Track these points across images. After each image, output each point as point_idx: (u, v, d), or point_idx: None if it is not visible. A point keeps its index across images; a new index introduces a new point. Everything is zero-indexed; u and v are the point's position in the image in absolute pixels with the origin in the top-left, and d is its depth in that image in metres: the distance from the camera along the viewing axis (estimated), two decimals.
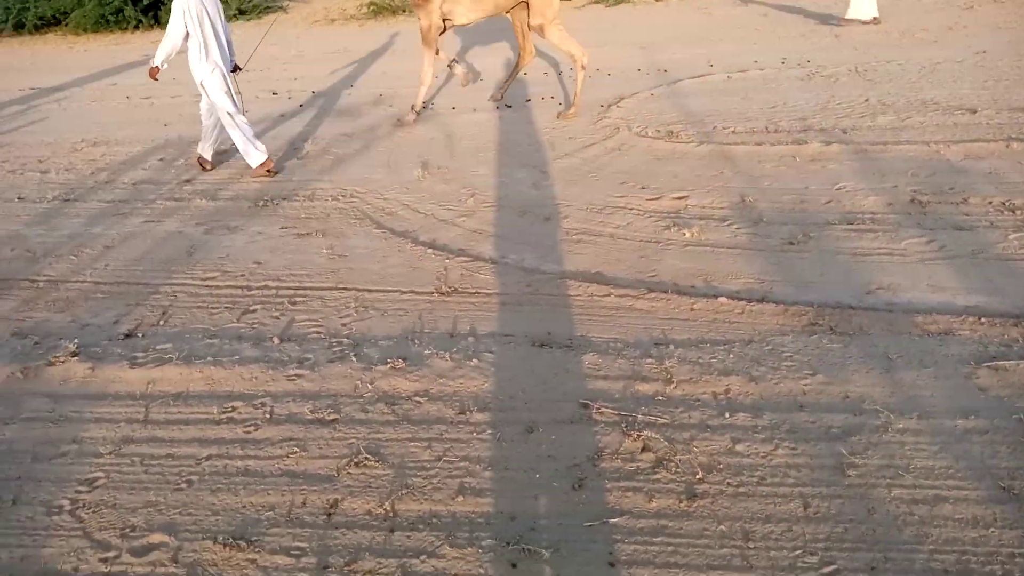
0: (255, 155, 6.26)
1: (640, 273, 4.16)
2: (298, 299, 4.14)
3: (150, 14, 17.40)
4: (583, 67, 7.81)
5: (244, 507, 2.58)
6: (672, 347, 3.37)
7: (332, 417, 3.05)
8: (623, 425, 2.85)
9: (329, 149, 7.13)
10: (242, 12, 17.36)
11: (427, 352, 3.47)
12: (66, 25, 17.54)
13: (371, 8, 16.93)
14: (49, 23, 17.75)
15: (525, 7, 7.74)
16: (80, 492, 2.70)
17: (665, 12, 14.73)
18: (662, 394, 3.04)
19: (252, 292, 4.25)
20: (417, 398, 3.14)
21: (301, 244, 4.90)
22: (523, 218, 5.11)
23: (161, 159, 7.05)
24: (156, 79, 6.42)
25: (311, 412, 3.09)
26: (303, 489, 2.65)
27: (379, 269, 4.47)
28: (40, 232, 5.32)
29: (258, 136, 6.52)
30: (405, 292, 4.15)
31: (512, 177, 5.96)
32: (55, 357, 3.54)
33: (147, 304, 4.13)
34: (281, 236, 5.04)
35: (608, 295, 3.91)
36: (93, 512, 2.59)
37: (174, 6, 5.91)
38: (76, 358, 3.53)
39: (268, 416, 3.08)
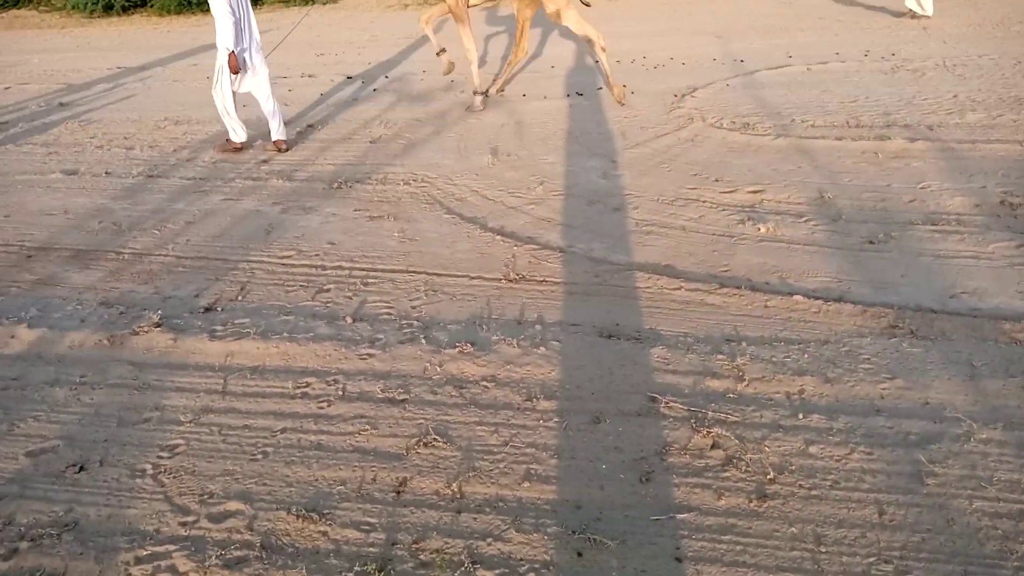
0: (238, 132, 6.78)
1: (712, 267, 4.09)
2: (370, 280, 4.21)
3: None
4: (603, 48, 7.76)
5: (316, 480, 2.65)
6: (744, 344, 3.31)
7: (402, 397, 3.10)
8: (692, 421, 2.82)
9: (401, 134, 7.21)
10: None
11: (495, 338, 3.49)
12: (151, 7, 18.15)
13: None
14: (136, 4, 18.39)
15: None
16: (162, 457, 2.81)
17: (742, 0, 14.37)
18: (733, 391, 3.00)
19: (326, 272, 4.34)
20: (484, 383, 3.17)
21: (373, 227, 4.98)
22: (592, 207, 5.08)
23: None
24: (237, 71, 6.54)
25: (382, 391, 3.14)
26: (373, 466, 2.70)
27: (448, 254, 4.51)
28: (125, 206, 5.54)
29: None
30: (473, 277, 4.18)
31: (582, 166, 5.93)
32: (139, 327, 3.69)
33: (226, 279, 4.26)
34: (354, 218, 5.13)
35: (679, 288, 3.86)
36: (173, 477, 2.70)
37: (216, 1, 6.20)
38: (159, 329, 3.67)
39: (340, 393, 3.15)
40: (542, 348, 3.38)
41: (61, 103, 9.46)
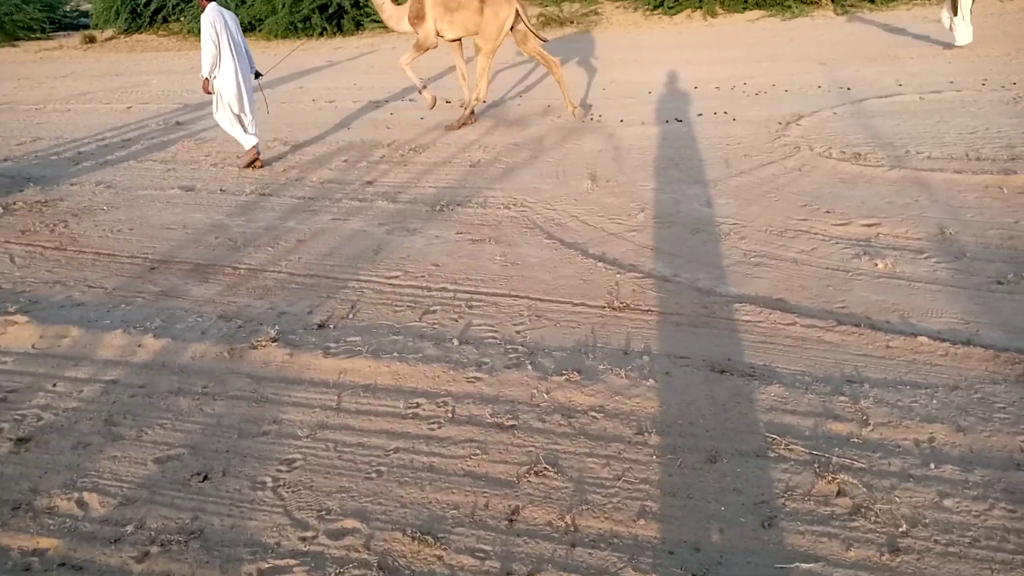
0: (248, 140, 7.35)
1: (827, 303, 3.95)
2: (474, 303, 4.25)
3: (334, 22, 18.58)
4: (478, 100, 8.63)
5: (430, 503, 2.66)
6: (867, 386, 3.16)
7: (511, 423, 3.09)
8: (815, 465, 2.70)
9: (500, 158, 7.29)
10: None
11: (601, 367, 3.45)
12: (259, 31, 19.05)
13: (540, 19, 17.20)
14: (245, 29, 19.33)
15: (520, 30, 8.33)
16: (280, 471, 2.89)
17: (846, 27, 14.00)
18: (857, 436, 2.86)
19: (431, 293, 4.40)
20: (593, 413, 3.13)
21: (475, 250, 5.03)
22: (696, 236, 5.00)
23: (345, 160, 7.48)
24: (209, 92, 7.19)
25: (490, 416, 3.15)
26: (485, 492, 2.70)
27: (550, 279, 4.50)
28: (240, 223, 5.78)
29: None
30: (577, 304, 4.16)
31: (684, 193, 5.85)
32: (257, 341, 3.83)
33: (337, 297, 4.38)
34: (457, 240, 5.20)
35: (793, 324, 3.74)
36: (292, 492, 2.77)
37: (203, 23, 6.91)
38: (276, 343, 3.79)
39: (450, 416, 3.17)
40: (651, 380, 3.32)
41: (178, 122, 10.01)
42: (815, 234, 4.85)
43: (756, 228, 5.02)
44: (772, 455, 2.79)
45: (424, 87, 8.80)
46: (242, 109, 7.22)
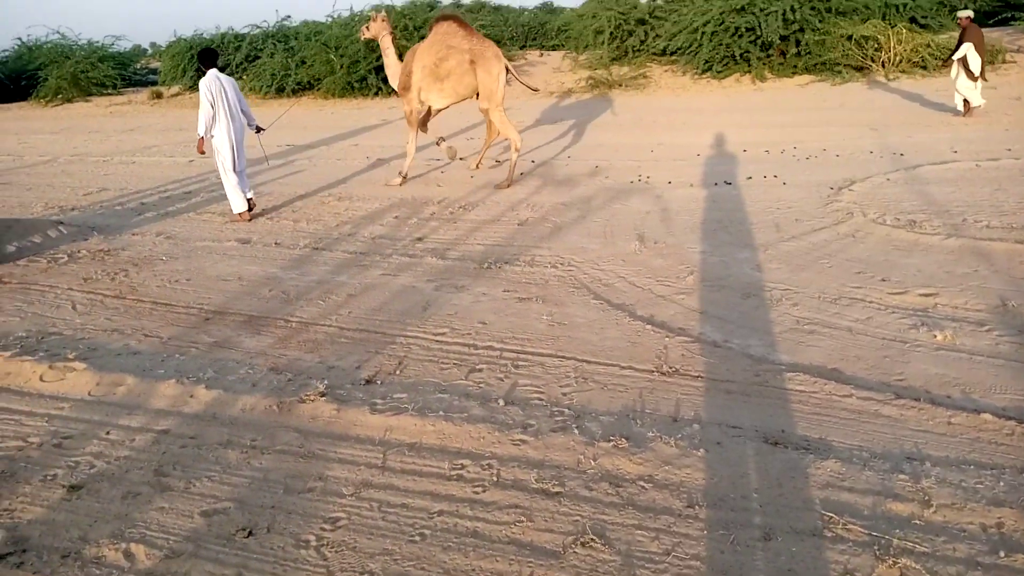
0: (237, 204, 7.79)
1: (885, 375, 3.83)
2: (520, 363, 4.23)
3: (389, 83, 19.19)
4: (517, 150, 8.72)
5: (473, 570, 2.61)
6: (928, 464, 3.04)
7: (556, 489, 3.04)
8: (875, 547, 2.58)
9: (547, 217, 7.35)
10: None
11: (650, 434, 3.38)
12: (318, 90, 19.77)
13: (589, 82, 17.52)
14: (304, 87, 20.10)
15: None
16: (324, 529, 2.87)
17: (897, 93, 13.93)
18: (919, 518, 2.74)
19: (478, 351, 4.40)
20: (642, 483, 3.06)
21: (522, 308, 5.04)
22: (747, 301, 4.93)
23: (396, 216, 7.63)
24: (203, 152, 7.81)
25: (536, 481, 3.10)
26: (530, 561, 2.64)
27: (597, 341, 4.47)
28: (293, 276, 5.90)
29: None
30: (624, 367, 4.12)
31: (733, 257, 5.80)
32: (306, 395, 3.86)
33: (385, 353, 4.41)
34: (504, 299, 5.22)
35: (849, 396, 3.63)
36: (335, 552, 2.75)
37: (200, 88, 7.58)
38: (324, 398, 3.82)
39: (495, 479, 3.13)
40: (701, 450, 3.24)
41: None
42: (870, 303, 4.74)
43: (809, 294, 4.94)
44: (829, 534, 2.67)
45: (440, 140, 9.34)
46: (235, 165, 7.76)
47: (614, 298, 5.14)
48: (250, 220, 7.85)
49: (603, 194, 8.14)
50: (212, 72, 7.67)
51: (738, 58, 16.73)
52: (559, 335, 4.58)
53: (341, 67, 19.04)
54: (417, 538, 2.79)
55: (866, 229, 6.18)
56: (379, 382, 4.03)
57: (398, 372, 4.15)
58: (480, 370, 4.16)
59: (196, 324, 5.01)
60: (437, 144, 9.26)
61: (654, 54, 18.61)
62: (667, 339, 4.43)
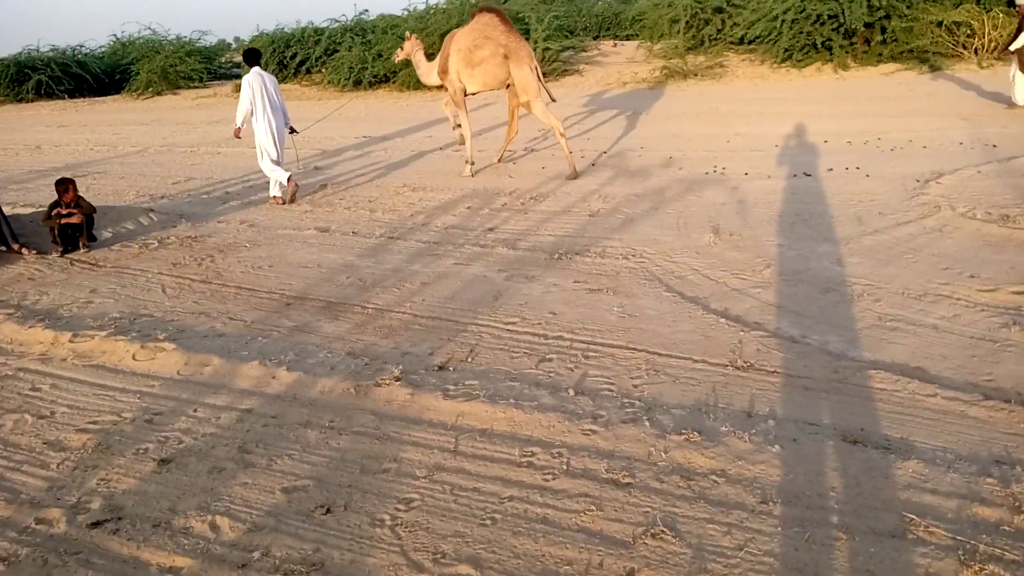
0: (274, 189, 8.43)
1: (972, 375, 3.68)
2: (590, 353, 4.23)
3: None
4: (562, 134, 8.76)
5: (543, 556, 2.64)
6: (1019, 469, 2.91)
7: (627, 480, 3.04)
8: (960, 552, 2.50)
9: (619, 208, 7.30)
10: (544, 73, 18.52)
11: (723, 429, 3.34)
12: (393, 83, 20.08)
13: (663, 72, 17.25)
14: (381, 80, 20.45)
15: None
16: (399, 510, 2.95)
17: (991, 81, 13.22)
18: (1008, 524, 2.63)
19: (548, 341, 4.42)
20: (714, 476, 3.03)
21: (593, 299, 5.03)
22: (826, 296, 4.80)
23: (468, 207, 7.71)
24: (239, 137, 8.52)
25: (606, 471, 3.11)
26: (600, 550, 2.65)
27: (669, 333, 4.43)
28: (369, 264, 6.05)
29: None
30: (697, 361, 4.07)
31: (813, 250, 5.65)
32: (381, 379, 3.96)
33: (457, 340, 4.48)
34: (574, 289, 5.22)
35: (933, 395, 3.50)
36: (409, 531, 2.82)
37: (243, 83, 8.19)
38: (399, 383, 3.91)
39: (565, 467, 3.15)
40: (776, 446, 3.18)
41: (316, 167, 10.64)
42: (958, 299, 4.55)
43: (892, 290, 4.77)
44: (910, 536, 2.60)
45: (457, 126, 9.63)
46: (279, 156, 8.35)
47: (687, 291, 5.08)
48: (284, 203, 8.41)
49: (677, 185, 8.03)
50: (256, 70, 8.26)
51: (819, 46, 16.16)
52: (630, 327, 4.56)
53: None
54: (488, 522, 2.84)
55: (954, 223, 5.92)
56: (451, 368, 4.10)
57: (470, 359, 4.21)
58: (550, 360, 4.18)
59: (278, 309, 5.19)
60: (454, 128, 9.66)
61: (731, 43, 18.16)
62: (742, 333, 4.35)
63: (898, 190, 7.03)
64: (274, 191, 8.48)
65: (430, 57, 9.71)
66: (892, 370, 3.78)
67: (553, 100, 9.49)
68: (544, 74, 18.26)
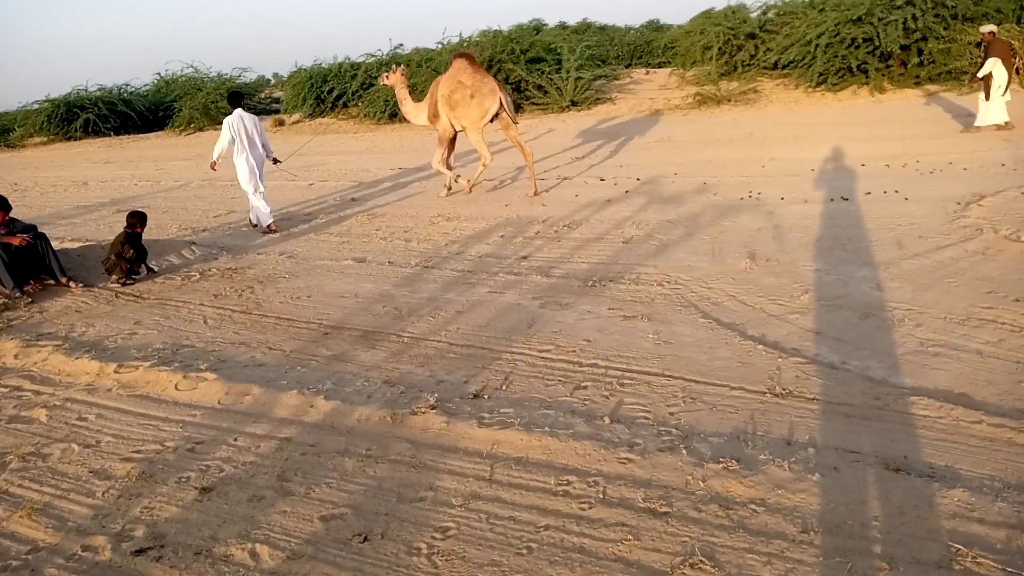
0: (264, 219, 9.09)
1: (1020, 401, 3.58)
2: (626, 381, 4.22)
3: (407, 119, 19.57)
4: (485, 166, 9.92)
5: None
6: None
7: (664, 509, 3.01)
8: None
9: (653, 235, 7.30)
10: (574, 103, 18.73)
11: (762, 457, 3.30)
12: None
13: (696, 98, 17.27)
14: None
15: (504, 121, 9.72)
16: (435, 538, 2.96)
17: None
18: None
19: (583, 368, 4.42)
20: (753, 506, 2.99)
21: (627, 326, 5.02)
22: (866, 321, 4.72)
23: (502, 236, 7.77)
24: (215, 170, 9.30)
25: (643, 500, 3.08)
26: None
27: (706, 360, 4.40)
28: (405, 293, 6.12)
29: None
30: (734, 388, 4.03)
31: (851, 275, 5.57)
32: (417, 408, 3.99)
33: (491, 368, 4.50)
34: (608, 316, 5.22)
35: (979, 422, 3.42)
36: (446, 560, 2.82)
37: (224, 123, 8.94)
38: (434, 411, 3.94)
39: (601, 496, 3.13)
40: (817, 475, 3.13)
41: (353, 198, 10.83)
42: (1003, 324, 4.45)
43: (934, 315, 4.68)
44: (957, 567, 2.53)
45: (457, 177, 10.32)
46: (256, 188, 9.00)
47: (723, 317, 5.04)
48: (275, 231, 9.03)
49: (711, 211, 8.00)
50: (237, 111, 9.05)
51: (855, 70, 16.06)
52: (665, 354, 4.54)
53: None
54: (524, 551, 2.83)
55: (997, 246, 5.80)
56: (486, 396, 4.12)
57: (504, 387, 4.23)
58: (585, 387, 4.17)
59: (316, 338, 5.28)
60: (454, 181, 10.29)
61: (765, 68, 18.15)
62: (780, 360, 4.30)
63: (938, 213, 6.92)
64: (253, 219, 9.29)
65: (413, 93, 10.48)
66: (935, 396, 3.70)
67: (516, 123, 10.12)
68: (575, 103, 18.56)
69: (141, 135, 27.05)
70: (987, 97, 10.97)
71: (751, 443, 3.44)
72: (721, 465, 3.25)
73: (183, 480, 3.56)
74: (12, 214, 6.99)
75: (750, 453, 3.35)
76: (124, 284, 7.03)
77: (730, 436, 3.52)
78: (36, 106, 29.68)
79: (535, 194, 9.71)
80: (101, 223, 10.95)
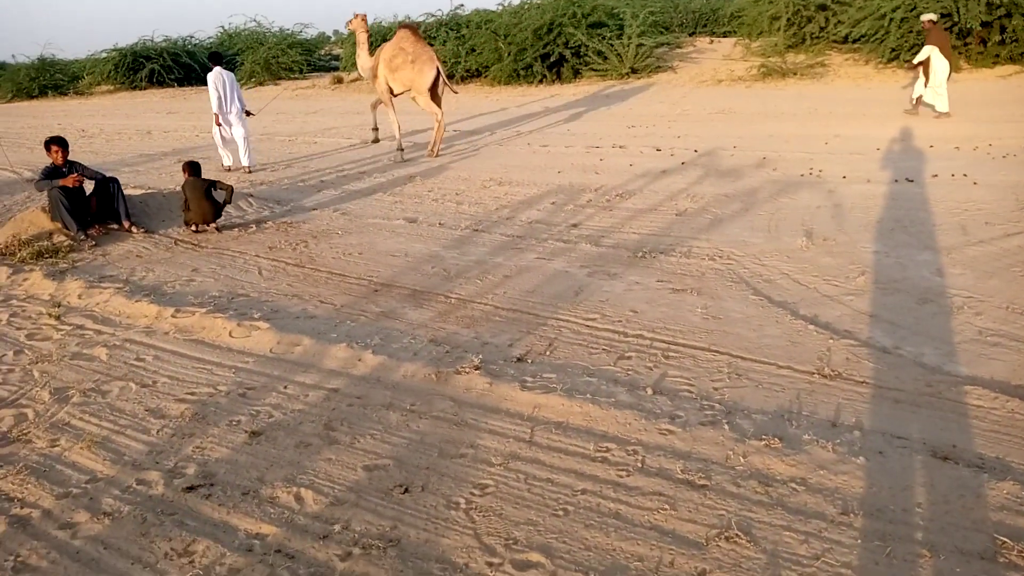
0: (244, 160, 10.57)
1: None
2: (671, 353, 4.20)
3: (554, 70, 19.30)
4: (440, 123, 10.79)
5: (614, 550, 2.65)
6: None
7: (702, 482, 3.01)
8: None
9: (708, 208, 7.18)
10: (634, 71, 18.40)
11: (806, 437, 3.26)
12: (485, 77, 20.28)
13: (760, 70, 16.80)
14: (472, 75, 20.69)
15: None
16: (474, 495, 3.01)
17: None
18: None
19: (628, 339, 4.41)
20: (793, 484, 2.96)
21: (675, 299, 4.98)
22: (923, 307, 4.60)
23: (553, 202, 7.74)
24: (219, 124, 10.50)
25: (681, 472, 3.08)
26: (672, 549, 2.64)
27: (754, 337, 4.34)
28: (454, 255, 6.16)
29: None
30: (782, 367, 3.97)
31: (911, 259, 5.41)
32: (461, 367, 4.04)
33: (536, 333, 4.52)
34: (657, 288, 5.18)
35: None
36: (483, 516, 2.88)
37: (209, 79, 10.31)
38: (478, 372, 3.98)
39: (639, 465, 3.15)
40: (861, 458, 3.08)
41: (405, 159, 10.87)
42: None
43: (995, 304, 4.53)
44: (1002, 560, 2.48)
45: (375, 129, 12.29)
46: (231, 135, 10.53)
47: (775, 295, 4.96)
48: (250, 172, 10.43)
49: (769, 187, 7.82)
50: (217, 68, 10.36)
51: None
52: (713, 329, 4.49)
53: (508, 54, 19.41)
54: (560, 512, 2.87)
55: None
56: (530, 361, 4.14)
57: (548, 353, 4.25)
58: (629, 358, 4.17)
59: (366, 294, 5.36)
60: (372, 129, 12.23)
61: (834, 41, 17.52)
62: (831, 341, 4.22)
63: (1008, 199, 6.65)
64: (244, 162, 10.60)
65: (371, 50, 11.59)
66: (991, 387, 3.59)
67: (455, 92, 11.64)
68: (635, 70, 18.23)
69: (203, 87, 27.53)
70: (926, 83, 11.24)
71: (795, 422, 3.40)
72: (763, 442, 3.23)
73: (234, 423, 3.68)
74: (80, 160, 7.23)
75: (794, 432, 3.31)
76: (197, 231, 7.22)
77: (774, 414, 3.49)
78: (104, 55, 30.45)
79: (434, 154, 10.82)
80: (163, 172, 11.24)
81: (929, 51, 11.15)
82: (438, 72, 10.49)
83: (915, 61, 11.56)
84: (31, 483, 3.28)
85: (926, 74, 11.23)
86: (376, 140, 12.27)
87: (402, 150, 10.92)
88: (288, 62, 26.71)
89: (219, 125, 10.43)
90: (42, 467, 3.41)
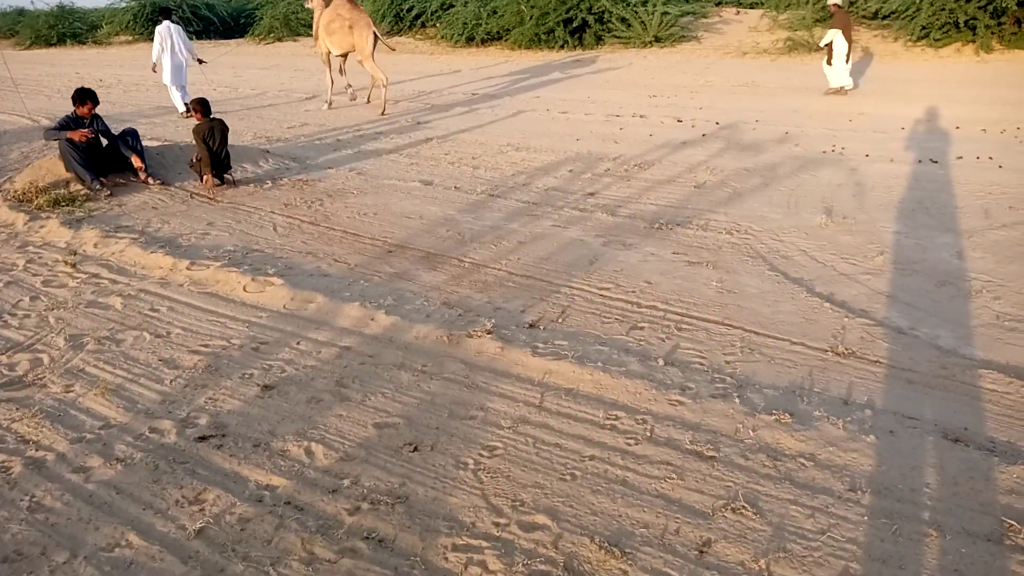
0: (179, 105, 11.86)
1: None
2: (684, 326, 4.18)
3: (576, 36, 19.04)
4: (384, 85, 11.55)
5: (620, 516, 2.67)
6: None
7: (711, 453, 3.01)
8: None
9: (727, 182, 7.11)
10: (657, 40, 18.12)
11: (816, 413, 3.25)
12: (505, 41, 20.03)
13: (786, 43, 16.51)
14: (493, 38, 20.44)
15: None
16: (482, 456, 3.03)
17: None
18: None
19: (641, 310, 4.39)
20: (802, 459, 2.96)
21: (691, 272, 4.95)
22: (941, 289, 4.55)
23: (570, 170, 7.67)
24: (156, 72, 11.88)
25: (690, 442, 3.09)
26: (677, 517, 2.66)
27: (769, 313, 4.32)
28: (469, 219, 6.13)
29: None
30: (795, 343, 3.96)
31: (932, 241, 5.35)
32: (473, 331, 4.04)
33: (549, 300, 4.51)
34: (672, 260, 5.15)
35: None
36: (491, 477, 2.90)
37: (156, 32, 11.48)
38: (490, 336, 3.98)
39: (648, 434, 3.15)
40: (871, 436, 3.07)
41: (419, 122, 10.80)
42: None
43: (1015, 289, 4.48)
44: (1008, 543, 2.48)
45: (349, 86, 12.66)
46: (177, 84, 11.72)
47: (792, 271, 4.92)
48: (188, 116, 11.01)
49: (791, 162, 7.73)
50: (165, 22, 11.53)
51: (962, 25, 15.04)
52: (727, 303, 4.47)
53: (530, 19, 19.13)
54: (568, 477, 2.89)
55: None
56: (542, 327, 4.14)
57: (560, 320, 4.24)
58: (642, 328, 4.16)
59: (379, 255, 5.36)
60: (347, 87, 12.63)
61: (864, 17, 17.14)
62: (846, 319, 4.20)
63: None
64: (180, 108, 11.83)
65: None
66: (1006, 372, 3.57)
67: (392, 49, 12.81)
68: (658, 39, 17.96)
69: (222, 41, 27.33)
70: (829, 62, 12.13)
71: (806, 399, 3.39)
72: (773, 417, 3.22)
73: (246, 376, 3.71)
74: (98, 111, 7.20)
75: (804, 408, 3.30)
76: (214, 185, 7.24)
77: (785, 390, 3.48)
78: (123, 4, 30.23)
79: (383, 112, 11.47)
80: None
81: (833, 34, 12.05)
82: (375, 36, 11.39)
83: (821, 44, 12.67)
84: (46, 427, 3.33)
85: (829, 56, 12.12)
86: (353, 97, 12.67)
87: (329, 103, 12.19)
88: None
89: (155, 72, 11.81)
90: (57, 411, 3.45)
